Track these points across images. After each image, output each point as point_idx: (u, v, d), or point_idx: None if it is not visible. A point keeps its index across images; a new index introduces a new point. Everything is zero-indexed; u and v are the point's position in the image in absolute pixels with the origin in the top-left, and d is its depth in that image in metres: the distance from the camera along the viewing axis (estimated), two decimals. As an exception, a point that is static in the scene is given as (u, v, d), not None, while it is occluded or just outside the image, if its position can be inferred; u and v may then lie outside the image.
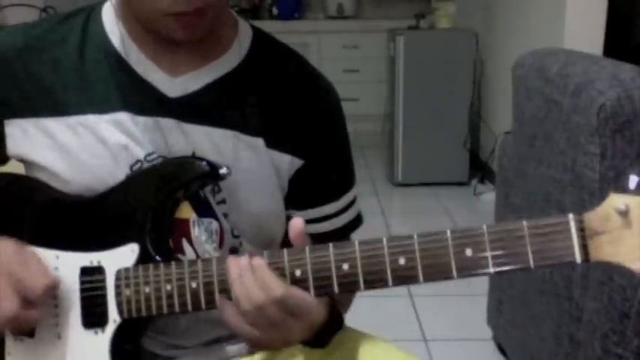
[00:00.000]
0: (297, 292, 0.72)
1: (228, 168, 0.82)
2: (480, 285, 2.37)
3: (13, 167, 0.91)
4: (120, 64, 0.85)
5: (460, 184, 3.87)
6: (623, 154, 1.31)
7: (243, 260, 0.73)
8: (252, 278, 0.72)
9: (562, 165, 1.51)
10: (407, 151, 3.84)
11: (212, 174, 0.82)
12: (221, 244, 0.88)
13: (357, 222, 0.97)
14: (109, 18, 0.88)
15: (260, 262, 0.72)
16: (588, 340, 1.38)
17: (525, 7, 3.38)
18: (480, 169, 3.91)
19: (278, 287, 0.71)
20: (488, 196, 3.49)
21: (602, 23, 2.78)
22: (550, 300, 1.60)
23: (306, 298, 0.72)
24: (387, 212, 3.50)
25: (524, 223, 0.66)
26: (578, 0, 2.81)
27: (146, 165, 0.84)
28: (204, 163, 0.82)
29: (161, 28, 0.79)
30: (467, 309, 2.46)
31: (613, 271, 1.28)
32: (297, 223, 0.74)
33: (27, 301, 0.77)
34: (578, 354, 1.45)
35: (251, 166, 0.87)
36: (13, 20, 3.06)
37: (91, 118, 0.84)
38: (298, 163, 0.89)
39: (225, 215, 0.88)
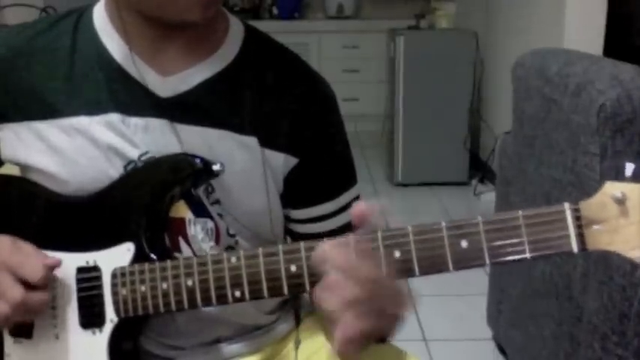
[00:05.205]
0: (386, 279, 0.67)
1: (221, 164, 0.82)
2: (479, 285, 2.37)
3: (9, 170, 0.91)
4: (111, 64, 0.85)
5: (460, 184, 3.87)
6: (623, 154, 1.31)
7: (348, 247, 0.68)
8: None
9: (562, 165, 1.51)
10: (407, 151, 3.84)
11: (206, 171, 0.81)
12: (217, 242, 0.88)
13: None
14: (101, 19, 0.87)
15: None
16: (588, 340, 1.38)
17: (525, 7, 3.37)
18: (480, 169, 3.91)
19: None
20: (488, 196, 3.48)
21: (602, 23, 2.78)
22: (550, 300, 1.60)
23: (396, 285, 0.68)
24: (387, 212, 3.50)
25: (520, 213, 0.65)
26: (578, 0, 2.81)
27: (140, 165, 0.84)
28: (197, 160, 0.81)
29: (176, 10, 0.78)
30: (467, 309, 2.46)
31: (613, 269, 1.28)
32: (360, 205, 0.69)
33: (31, 287, 0.77)
34: (578, 354, 1.45)
35: (245, 166, 0.86)
36: (13, 20, 3.06)
37: (83, 120, 0.84)
38: (293, 161, 0.89)
39: (220, 215, 0.87)
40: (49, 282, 0.80)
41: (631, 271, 1.25)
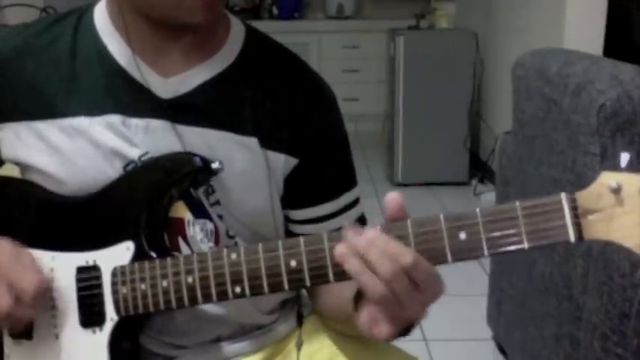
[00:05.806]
0: (424, 262, 0.66)
1: (220, 163, 0.82)
2: (480, 285, 2.37)
3: (9, 171, 0.91)
4: (112, 65, 0.85)
5: (460, 184, 3.87)
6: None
7: (360, 237, 0.67)
8: (375, 251, 0.65)
9: (562, 165, 1.51)
10: (407, 151, 3.84)
11: (205, 169, 0.82)
12: (217, 244, 0.88)
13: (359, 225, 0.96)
14: (102, 19, 0.87)
15: (378, 233, 0.67)
16: (588, 340, 1.38)
17: (525, 7, 3.37)
18: (480, 169, 3.91)
19: (407, 254, 0.65)
20: (488, 196, 3.49)
21: (602, 23, 2.78)
22: (550, 300, 1.60)
23: (432, 269, 0.67)
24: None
25: (517, 204, 0.65)
26: (578, 0, 2.81)
27: (139, 165, 0.84)
28: (196, 158, 0.82)
29: (179, 13, 0.78)
30: (467, 309, 2.46)
31: (613, 269, 1.28)
32: (394, 196, 0.68)
33: (20, 300, 0.77)
34: (578, 354, 1.45)
35: (245, 167, 0.86)
36: (13, 20, 3.06)
37: (83, 121, 0.84)
38: (293, 161, 0.89)
39: (220, 217, 0.87)
40: (38, 299, 0.79)
41: (631, 271, 1.25)
